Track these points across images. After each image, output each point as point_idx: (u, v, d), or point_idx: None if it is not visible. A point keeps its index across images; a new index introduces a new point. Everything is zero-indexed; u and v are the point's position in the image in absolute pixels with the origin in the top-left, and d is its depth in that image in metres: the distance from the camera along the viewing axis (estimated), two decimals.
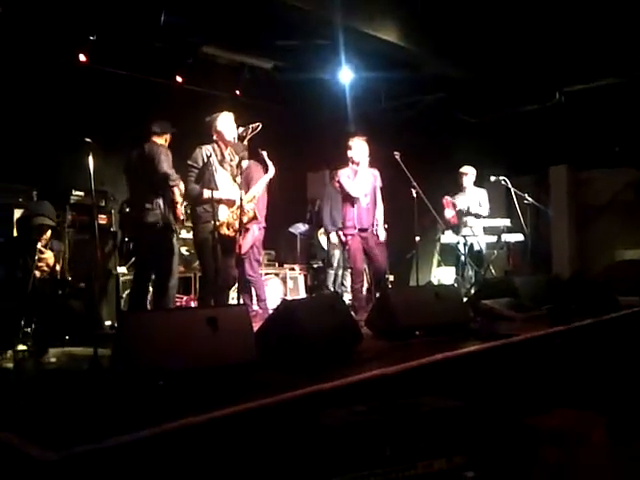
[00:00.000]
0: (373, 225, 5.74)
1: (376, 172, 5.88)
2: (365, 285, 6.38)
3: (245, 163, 5.51)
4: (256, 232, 5.63)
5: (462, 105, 8.62)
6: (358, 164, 5.76)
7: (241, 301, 5.19)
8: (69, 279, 4.85)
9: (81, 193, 5.97)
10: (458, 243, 6.92)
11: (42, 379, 3.31)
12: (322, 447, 2.22)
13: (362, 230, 5.70)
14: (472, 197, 7.11)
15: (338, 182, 5.91)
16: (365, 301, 5.85)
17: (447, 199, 7.12)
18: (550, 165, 8.53)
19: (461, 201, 7.10)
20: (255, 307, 5.69)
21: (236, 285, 5.51)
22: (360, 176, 5.75)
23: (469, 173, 7.18)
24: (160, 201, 4.72)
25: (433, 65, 7.61)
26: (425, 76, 7.84)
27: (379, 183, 5.86)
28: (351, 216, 5.73)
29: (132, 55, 6.68)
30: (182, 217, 5.01)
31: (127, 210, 5.17)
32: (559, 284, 5.44)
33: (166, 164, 4.67)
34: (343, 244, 6.24)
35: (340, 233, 6.02)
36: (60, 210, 5.52)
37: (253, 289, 5.83)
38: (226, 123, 4.71)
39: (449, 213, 7.07)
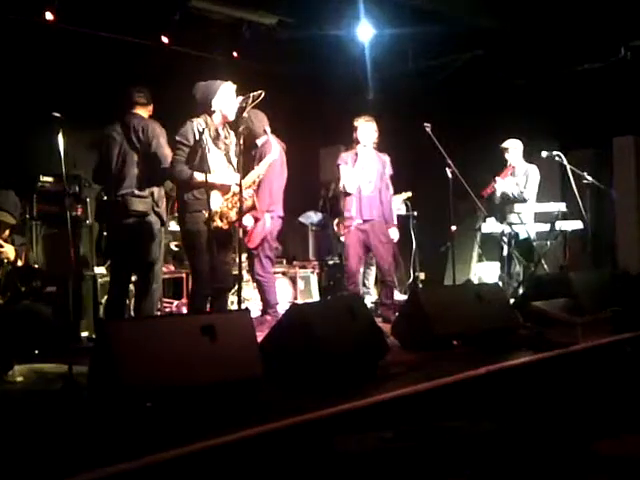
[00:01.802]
0: (383, 217, 5.96)
1: (386, 157, 6.11)
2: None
3: (262, 140, 5.50)
4: (268, 223, 5.61)
5: (506, 65, 8.54)
6: (365, 147, 5.99)
7: (243, 306, 5.19)
8: (36, 267, 4.88)
9: (50, 179, 5.99)
10: (503, 233, 6.88)
11: (6, 402, 3.34)
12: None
13: (364, 222, 5.90)
14: (515, 179, 7.06)
15: (337, 167, 6.10)
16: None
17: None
18: (614, 136, 8.44)
19: (505, 182, 7.06)
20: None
21: (236, 287, 5.51)
22: (363, 161, 5.98)
23: (511, 147, 7.12)
24: (155, 189, 4.79)
25: (469, 17, 7.55)
26: (460, 31, 7.77)
27: (389, 170, 6.09)
28: (350, 206, 5.93)
29: (108, 12, 6.67)
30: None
31: (105, 198, 5.18)
32: (626, 281, 5.40)
33: (165, 144, 4.71)
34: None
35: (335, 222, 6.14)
36: (25, 200, 5.55)
37: (260, 292, 5.85)
38: (227, 96, 4.67)
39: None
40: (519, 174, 7.09)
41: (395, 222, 6.33)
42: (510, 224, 6.78)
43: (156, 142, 4.70)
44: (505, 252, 6.99)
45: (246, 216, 5.41)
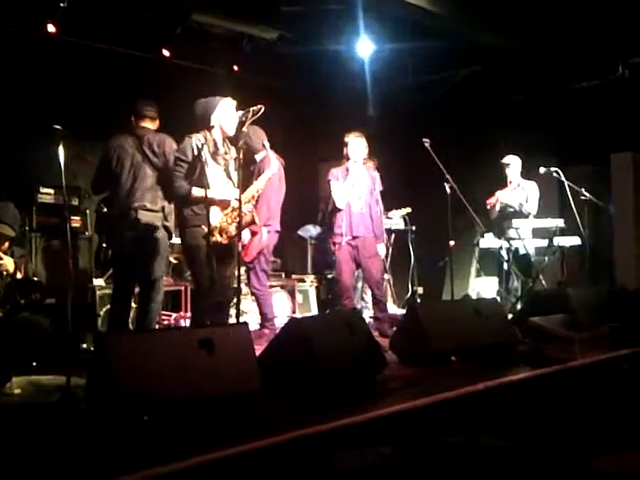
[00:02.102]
0: (373, 233, 5.99)
1: (376, 174, 6.20)
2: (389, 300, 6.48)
3: (261, 155, 5.53)
4: (265, 236, 5.63)
5: (504, 81, 8.58)
6: (355, 162, 6.04)
7: (242, 319, 5.19)
8: (36, 279, 4.88)
9: (50, 190, 6.00)
10: (501, 248, 6.89)
11: (3, 414, 3.33)
12: None
13: (354, 238, 5.94)
14: (518, 192, 7.08)
15: (328, 182, 6.13)
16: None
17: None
18: (612, 152, 8.46)
19: (508, 194, 7.07)
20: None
21: (235, 300, 5.51)
22: (353, 177, 6.02)
23: (512, 164, 7.15)
24: (166, 204, 4.84)
25: (468, 33, 7.59)
26: (459, 47, 7.81)
27: (379, 186, 6.13)
28: (341, 222, 5.97)
29: (110, 25, 6.70)
30: None
31: (105, 210, 5.19)
32: (624, 297, 5.40)
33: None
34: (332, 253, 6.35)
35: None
36: (25, 212, 5.55)
37: (258, 306, 5.85)
38: (227, 112, 4.68)
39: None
40: (519, 189, 7.11)
41: (385, 238, 6.34)
42: (508, 239, 6.79)
43: (172, 157, 4.72)
44: (504, 267, 7.00)
45: (260, 228, 5.46)
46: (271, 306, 5.89)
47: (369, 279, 6.12)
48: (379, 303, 6.09)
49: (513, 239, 6.77)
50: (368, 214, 6.02)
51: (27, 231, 5.66)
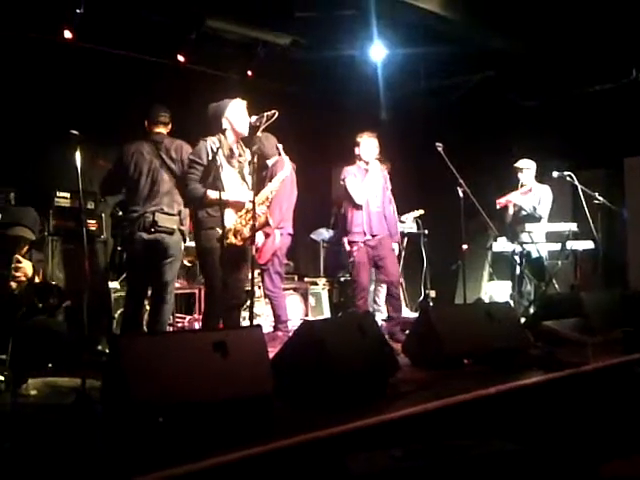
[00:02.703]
0: (389, 231, 5.99)
1: (385, 172, 6.19)
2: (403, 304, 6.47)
3: (273, 160, 5.56)
4: (277, 239, 5.67)
5: (517, 86, 8.56)
6: (367, 163, 6.01)
7: (255, 321, 5.21)
8: (54, 283, 4.91)
9: (67, 195, 6.04)
10: (514, 252, 6.87)
11: (19, 415, 3.35)
12: None
13: (373, 237, 5.91)
14: (530, 196, 7.05)
15: (343, 181, 6.08)
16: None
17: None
18: (625, 156, 8.41)
19: (516, 199, 7.05)
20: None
21: (248, 303, 5.53)
22: (370, 176, 5.99)
23: (525, 168, 7.12)
24: (182, 208, 4.91)
25: (481, 38, 7.57)
26: (472, 52, 7.80)
27: (388, 185, 6.13)
28: (359, 221, 5.93)
29: (125, 30, 6.75)
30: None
31: (120, 213, 5.22)
32: (637, 301, 5.36)
33: None
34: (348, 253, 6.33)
35: (345, 240, 6.11)
36: (42, 215, 5.59)
37: (272, 308, 5.86)
38: (237, 112, 4.72)
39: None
40: (531, 193, 7.09)
41: (398, 237, 6.31)
42: (521, 243, 6.77)
43: (185, 161, 4.78)
44: (516, 271, 6.97)
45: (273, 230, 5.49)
46: (285, 308, 5.91)
47: (387, 277, 6.05)
48: (395, 302, 6.04)
49: (526, 243, 6.75)
50: (383, 213, 6.01)
51: (45, 235, 5.71)
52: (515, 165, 7.17)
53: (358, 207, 5.94)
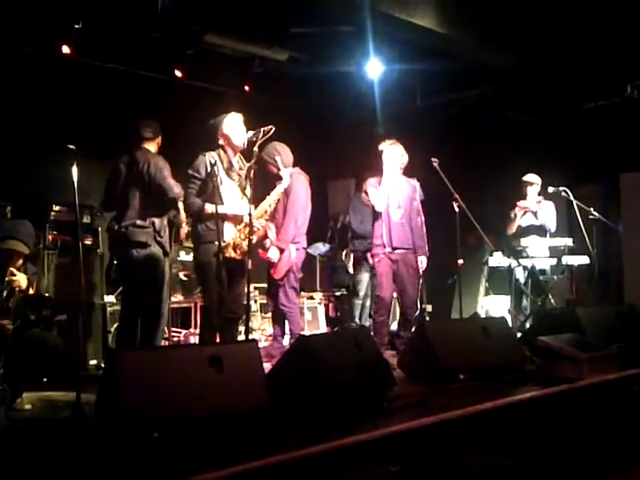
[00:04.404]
0: (413, 246, 5.69)
1: (415, 182, 5.88)
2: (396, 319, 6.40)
3: (288, 171, 5.45)
4: (293, 254, 5.56)
5: (513, 101, 8.60)
6: (391, 171, 5.79)
7: (250, 336, 5.21)
8: (47, 295, 4.89)
9: (63, 208, 6.04)
10: (510, 267, 6.87)
11: (14, 430, 3.33)
12: None
13: (394, 250, 5.68)
14: (538, 211, 7.07)
15: (365, 192, 6.01)
16: (388, 338, 5.87)
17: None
18: (620, 172, 8.45)
19: (532, 206, 7.07)
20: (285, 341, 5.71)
21: (243, 317, 5.51)
22: (390, 185, 5.77)
23: (535, 183, 7.11)
24: (156, 219, 4.81)
25: (477, 54, 7.62)
26: (468, 68, 7.85)
27: (419, 196, 5.84)
28: (380, 232, 5.72)
29: (123, 46, 6.78)
30: (183, 238, 5.06)
31: (115, 228, 5.23)
32: (633, 317, 5.36)
33: (169, 176, 4.74)
34: (371, 267, 6.24)
35: (368, 254, 6.01)
36: (38, 229, 5.59)
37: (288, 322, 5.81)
38: (234, 126, 4.75)
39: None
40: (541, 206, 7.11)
41: (426, 250, 5.86)
42: (517, 258, 6.78)
43: (160, 175, 4.73)
44: (513, 286, 6.97)
45: (272, 249, 5.44)
46: (298, 323, 5.84)
47: (404, 298, 5.80)
48: (407, 322, 5.77)
49: (522, 257, 6.76)
50: (408, 225, 5.71)
51: (40, 248, 5.70)
52: (524, 179, 7.17)
53: (379, 217, 5.72)
